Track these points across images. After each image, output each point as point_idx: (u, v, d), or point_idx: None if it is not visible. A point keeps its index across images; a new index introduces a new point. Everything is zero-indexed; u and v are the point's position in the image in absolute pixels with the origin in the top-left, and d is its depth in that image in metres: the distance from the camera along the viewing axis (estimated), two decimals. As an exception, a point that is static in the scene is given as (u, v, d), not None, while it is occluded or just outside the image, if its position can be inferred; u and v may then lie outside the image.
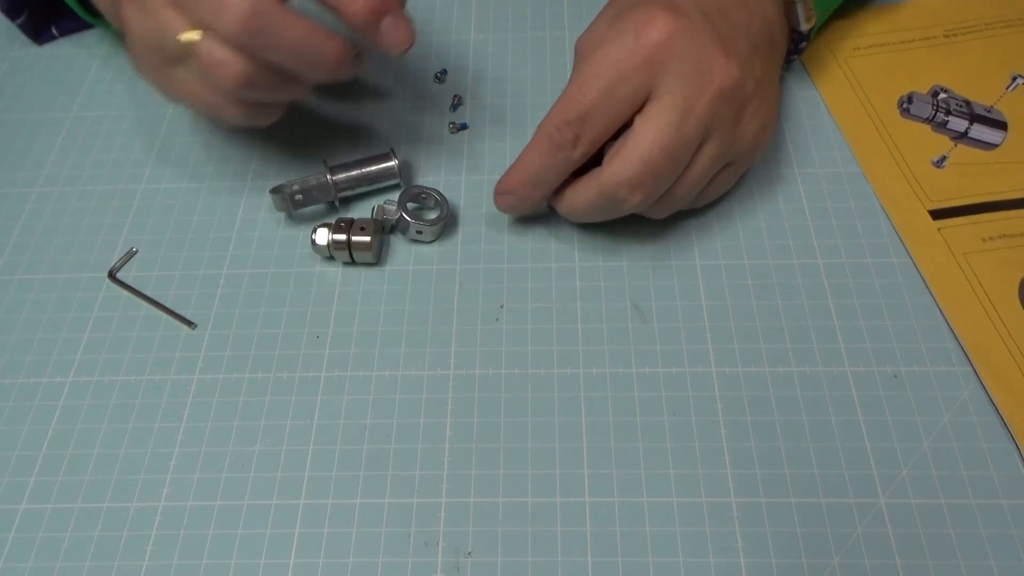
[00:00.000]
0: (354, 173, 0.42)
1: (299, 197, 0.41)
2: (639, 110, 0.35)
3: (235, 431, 0.36)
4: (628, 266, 0.40)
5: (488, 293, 0.40)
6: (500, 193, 0.39)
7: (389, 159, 0.42)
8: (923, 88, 0.46)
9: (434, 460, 0.35)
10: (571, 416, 0.36)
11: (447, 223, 0.42)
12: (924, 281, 0.39)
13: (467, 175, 0.44)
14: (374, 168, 0.42)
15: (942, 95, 0.45)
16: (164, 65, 0.36)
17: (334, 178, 0.41)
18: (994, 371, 0.36)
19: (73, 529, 0.34)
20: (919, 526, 0.33)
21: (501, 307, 0.40)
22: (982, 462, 0.34)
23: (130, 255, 0.42)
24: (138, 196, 0.45)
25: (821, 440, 0.35)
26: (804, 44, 0.43)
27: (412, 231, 0.41)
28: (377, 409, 0.37)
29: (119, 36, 0.47)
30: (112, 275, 0.41)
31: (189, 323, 0.40)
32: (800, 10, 0.41)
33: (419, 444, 0.36)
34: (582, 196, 0.38)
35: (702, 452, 0.35)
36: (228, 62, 0.34)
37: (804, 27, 0.42)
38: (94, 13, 0.49)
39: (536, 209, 0.40)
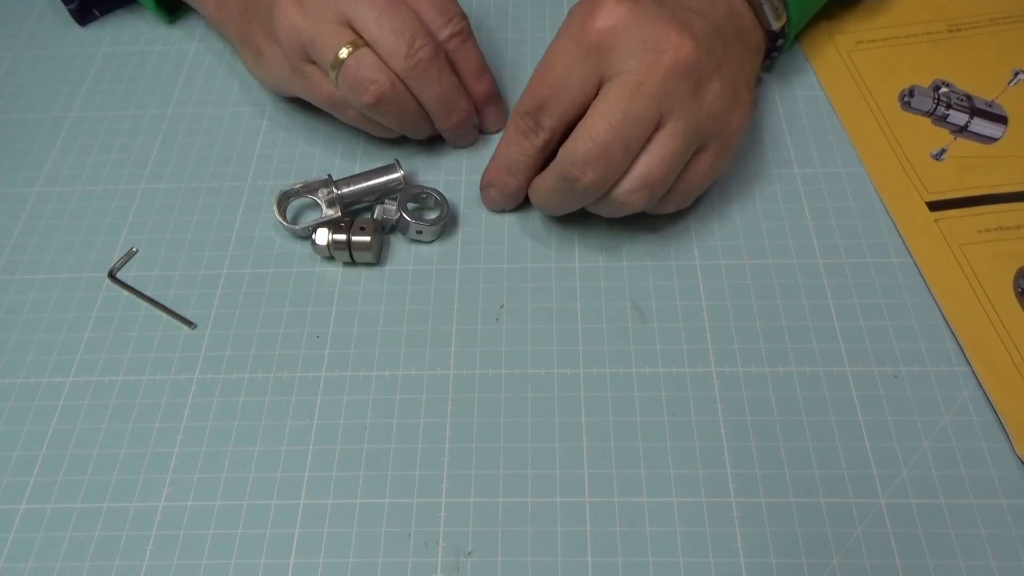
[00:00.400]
0: (360, 187, 0.41)
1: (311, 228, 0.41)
2: (596, 95, 0.36)
3: (235, 431, 0.36)
4: (628, 266, 0.40)
5: (488, 293, 0.40)
6: (483, 188, 0.42)
7: (395, 171, 0.42)
8: (925, 82, 0.46)
9: (434, 460, 0.35)
10: (571, 416, 0.36)
11: (447, 223, 0.42)
12: (923, 279, 0.39)
13: (467, 175, 0.44)
14: (379, 180, 0.42)
15: (943, 89, 0.45)
16: (302, 61, 0.40)
17: (339, 192, 0.41)
18: (986, 359, 0.36)
19: (73, 529, 0.34)
20: (919, 526, 0.33)
21: (501, 307, 0.40)
22: (982, 462, 0.34)
23: (130, 255, 0.42)
24: (138, 196, 0.45)
25: (821, 440, 0.35)
26: (781, 42, 0.43)
27: (412, 231, 0.41)
28: (377, 409, 0.37)
29: (214, 27, 0.49)
30: (112, 275, 0.41)
31: (189, 323, 0.40)
32: (767, 9, 0.41)
33: (419, 444, 0.36)
34: (543, 182, 0.38)
35: (702, 452, 0.35)
36: (372, 81, 0.38)
37: (774, 25, 0.42)
38: None
39: (518, 201, 0.42)
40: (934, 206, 0.41)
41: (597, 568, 0.32)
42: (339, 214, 0.41)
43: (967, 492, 0.33)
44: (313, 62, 0.40)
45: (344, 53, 0.38)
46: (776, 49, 0.43)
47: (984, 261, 0.39)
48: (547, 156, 0.39)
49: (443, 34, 0.40)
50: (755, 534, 0.33)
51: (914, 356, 0.37)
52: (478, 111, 0.44)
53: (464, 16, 0.41)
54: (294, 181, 0.43)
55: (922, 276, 0.39)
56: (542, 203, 0.39)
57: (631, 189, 0.36)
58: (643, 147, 0.36)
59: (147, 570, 0.33)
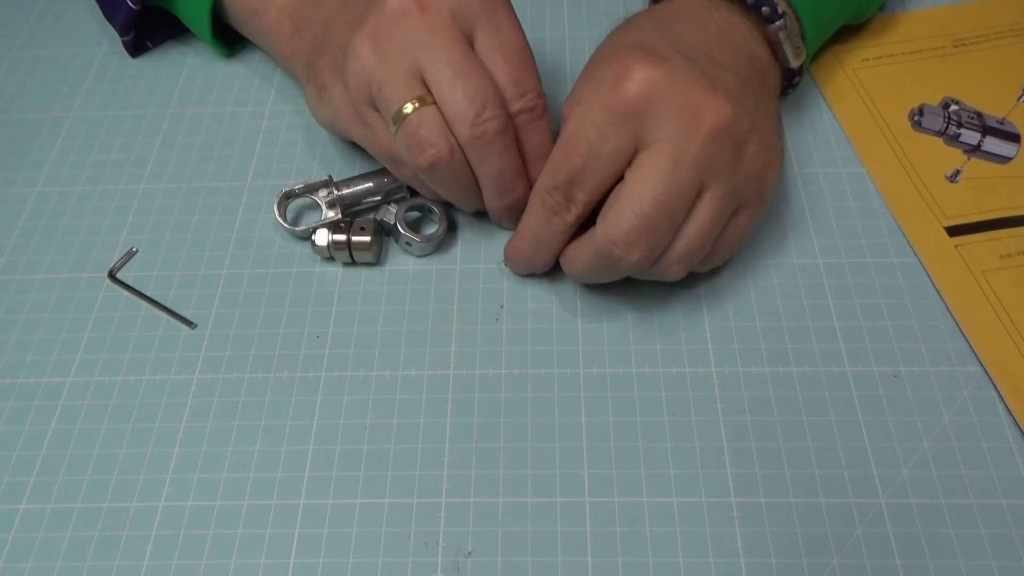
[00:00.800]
0: (361, 188, 0.41)
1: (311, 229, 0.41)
2: (631, 164, 0.34)
3: (235, 431, 0.36)
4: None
5: (488, 293, 0.40)
6: (509, 259, 0.39)
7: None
8: (933, 99, 0.45)
9: (434, 460, 0.35)
10: (571, 416, 0.36)
11: (441, 241, 0.41)
12: (927, 283, 0.39)
13: (467, 175, 0.44)
14: (380, 182, 0.41)
15: (953, 107, 0.44)
16: (366, 106, 0.37)
17: (340, 193, 0.41)
18: (1016, 389, 0.35)
19: (73, 529, 0.34)
20: (919, 526, 0.33)
21: (501, 307, 0.40)
22: (982, 462, 0.34)
23: (130, 255, 0.42)
24: (138, 196, 0.45)
25: (821, 440, 0.35)
26: (797, 79, 0.41)
27: (403, 242, 0.41)
28: (377, 409, 0.37)
29: (281, 62, 0.47)
30: (112, 275, 0.41)
31: (189, 323, 0.40)
32: (787, 48, 0.39)
33: (419, 444, 0.36)
34: (581, 257, 0.36)
35: (702, 452, 0.35)
36: (431, 145, 0.35)
37: (794, 64, 0.40)
38: (223, 30, 0.49)
39: (547, 269, 0.39)
40: (953, 231, 0.40)
41: (597, 568, 0.32)
42: (339, 215, 0.41)
43: (967, 492, 0.33)
44: (377, 110, 0.37)
45: (409, 108, 0.35)
46: (792, 86, 0.42)
47: (1008, 288, 0.38)
48: (578, 227, 0.36)
49: (515, 106, 0.36)
50: (755, 534, 0.33)
51: (914, 356, 0.37)
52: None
53: (542, 94, 0.37)
54: (295, 182, 0.43)
55: (928, 276, 0.39)
56: (578, 277, 0.38)
57: (673, 261, 0.35)
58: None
59: (147, 570, 0.33)
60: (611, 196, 0.34)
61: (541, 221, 0.36)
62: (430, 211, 0.41)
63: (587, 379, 0.37)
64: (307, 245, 0.42)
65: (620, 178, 0.34)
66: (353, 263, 0.41)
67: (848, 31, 0.49)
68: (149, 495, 0.35)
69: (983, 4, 0.49)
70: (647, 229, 0.33)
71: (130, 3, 0.47)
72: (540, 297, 0.40)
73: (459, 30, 0.35)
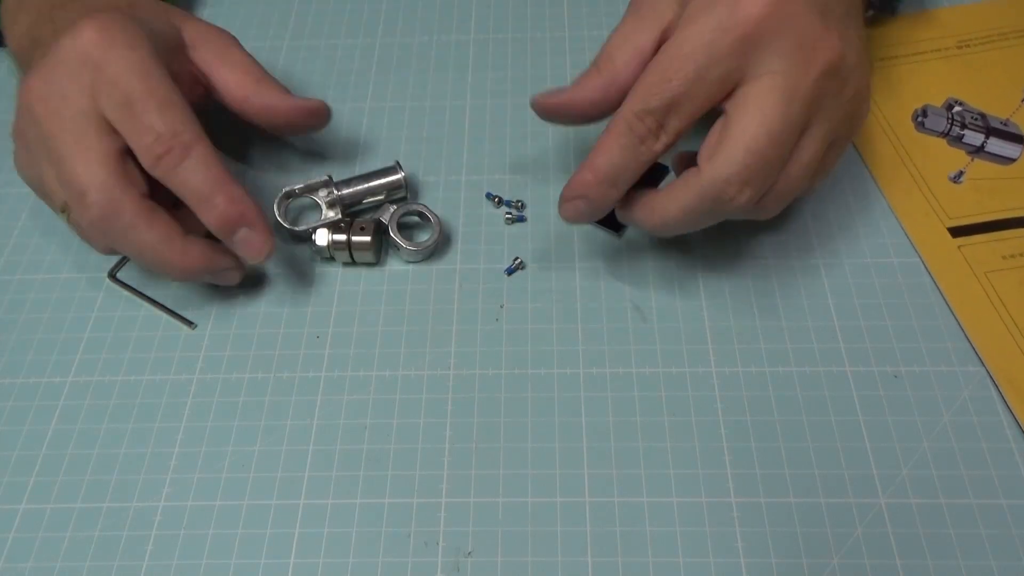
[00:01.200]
0: (360, 188, 0.41)
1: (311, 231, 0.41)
2: (729, 95, 0.32)
3: (235, 431, 0.36)
4: (628, 266, 0.40)
5: (488, 293, 0.40)
6: (570, 199, 0.35)
7: (395, 172, 0.42)
8: (937, 100, 0.45)
9: (434, 460, 0.35)
10: (571, 416, 0.36)
11: (432, 251, 0.41)
12: (928, 283, 0.39)
13: (467, 175, 0.44)
14: (380, 182, 0.42)
15: (957, 108, 0.44)
16: (47, 163, 0.36)
17: (340, 193, 0.41)
18: (1019, 391, 0.35)
19: (73, 529, 0.34)
20: (919, 526, 0.33)
21: (501, 307, 0.40)
22: (982, 462, 0.34)
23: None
24: (138, 196, 0.45)
25: (821, 440, 0.35)
26: (870, 12, 0.38)
27: (393, 246, 0.41)
28: (377, 409, 0.37)
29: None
30: (112, 275, 0.41)
31: (189, 323, 0.40)
32: None
33: (419, 444, 0.36)
34: (678, 203, 0.33)
35: (702, 452, 0.35)
36: (94, 243, 0.36)
37: None
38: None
39: (603, 214, 0.36)
40: (956, 232, 0.40)
41: (597, 568, 0.32)
42: (339, 215, 0.41)
43: (967, 492, 0.33)
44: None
45: (60, 212, 0.36)
46: (872, 6, 0.39)
47: (1011, 289, 0.38)
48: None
49: (148, 158, 0.34)
50: (755, 534, 0.33)
51: (914, 356, 0.37)
52: (225, 241, 0.36)
53: (175, 132, 0.34)
54: (294, 182, 0.43)
55: (931, 277, 0.39)
56: (667, 228, 0.35)
57: (773, 199, 0.33)
58: None
59: (147, 570, 0.33)
60: (713, 133, 0.33)
61: (625, 150, 0.33)
62: (425, 218, 0.41)
63: (587, 379, 0.37)
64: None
65: (713, 110, 0.32)
66: (353, 263, 0.41)
67: (882, 24, 0.49)
68: (149, 495, 0.35)
69: (987, 5, 0.49)
70: (762, 166, 0.31)
71: None
72: (540, 297, 0.40)
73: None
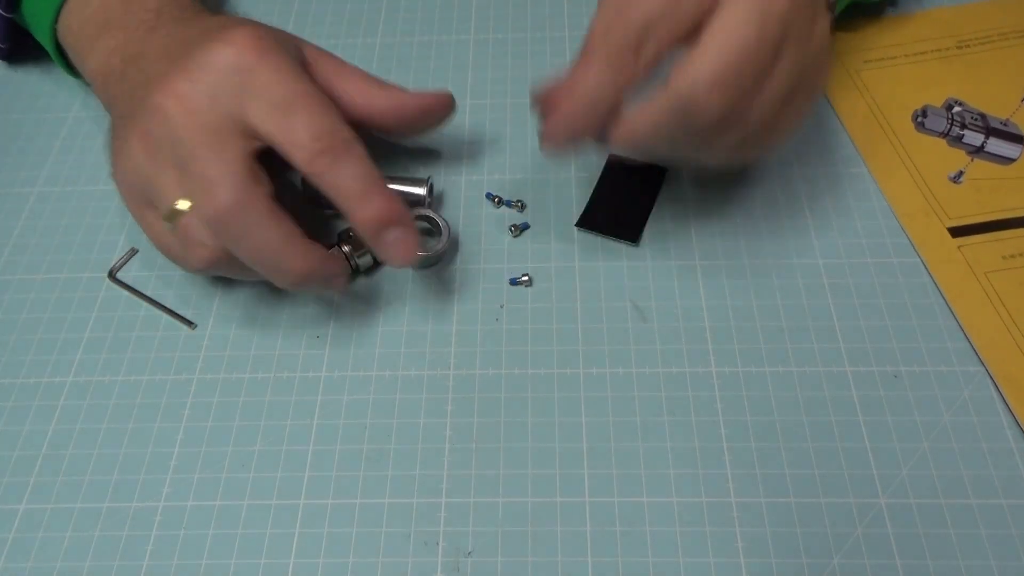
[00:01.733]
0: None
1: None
2: (703, 22, 0.31)
3: (235, 431, 0.36)
4: (628, 266, 0.40)
5: (488, 293, 0.40)
6: (551, 132, 0.35)
7: (420, 186, 0.41)
8: (937, 101, 0.45)
9: (434, 460, 0.35)
10: (571, 416, 0.36)
11: (440, 258, 0.41)
12: (928, 283, 0.39)
13: (467, 175, 0.44)
14: (402, 189, 0.41)
15: (956, 108, 0.44)
16: (145, 204, 0.36)
17: None
18: (1019, 391, 0.35)
19: (73, 529, 0.34)
20: (919, 526, 0.33)
21: (501, 307, 0.40)
22: (982, 462, 0.34)
23: (130, 255, 0.42)
24: (138, 196, 0.45)
25: (821, 440, 0.35)
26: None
27: None
28: (377, 409, 0.37)
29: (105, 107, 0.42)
30: (112, 275, 0.41)
31: (189, 323, 0.40)
32: None
33: (419, 444, 0.36)
34: (647, 117, 0.33)
35: (702, 452, 0.35)
36: (203, 244, 0.34)
37: None
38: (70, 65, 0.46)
39: (582, 140, 0.35)
40: (956, 232, 0.40)
41: (597, 568, 0.32)
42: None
43: (967, 492, 0.33)
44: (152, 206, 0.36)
45: (176, 207, 0.34)
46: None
47: (1011, 289, 0.38)
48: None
49: (305, 154, 0.34)
50: (755, 534, 0.33)
51: (914, 356, 0.37)
52: (371, 241, 0.35)
53: (333, 133, 0.34)
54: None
55: (931, 277, 0.39)
56: (636, 142, 0.34)
57: (746, 130, 0.33)
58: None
59: (147, 570, 0.33)
60: (686, 54, 0.32)
61: (602, 75, 0.32)
62: (434, 223, 0.41)
63: (587, 379, 0.37)
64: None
65: (689, 36, 0.32)
66: (375, 264, 0.41)
67: (852, 32, 0.49)
68: (149, 495, 0.35)
69: (987, 5, 0.49)
70: (735, 74, 0.31)
71: (2, 11, 0.46)
72: (540, 297, 0.40)
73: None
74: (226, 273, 0.37)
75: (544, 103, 0.35)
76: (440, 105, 0.41)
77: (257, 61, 0.34)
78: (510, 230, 0.42)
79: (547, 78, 0.36)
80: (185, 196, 0.34)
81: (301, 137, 0.34)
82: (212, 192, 0.33)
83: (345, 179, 0.34)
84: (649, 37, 0.31)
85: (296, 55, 0.38)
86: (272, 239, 0.34)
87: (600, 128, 0.34)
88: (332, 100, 0.37)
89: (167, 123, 0.34)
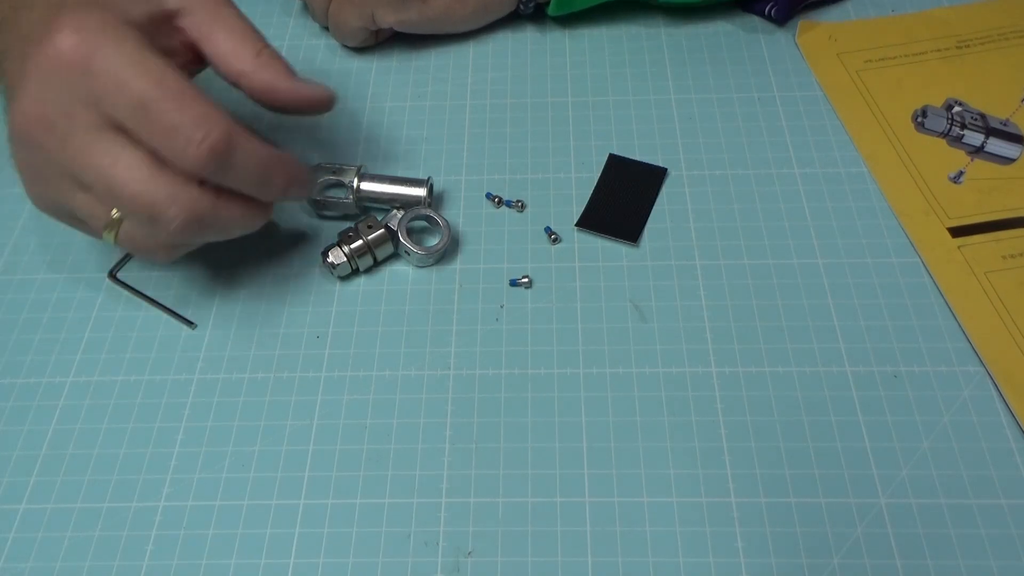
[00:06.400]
0: (383, 188, 0.41)
1: (320, 198, 0.41)
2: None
3: (235, 431, 0.36)
4: (628, 266, 0.40)
5: (488, 293, 0.40)
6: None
7: (420, 187, 0.41)
8: (937, 101, 0.45)
9: (434, 460, 0.35)
10: (571, 416, 0.36)
11: (441, 255, 0.41)
12: (927, 283, 0.39)
13: (467, 175, 0.44)
14: (402, 190, 0.41)
15: (956, 108, 0.44)
16: (71, 189, 0.33)
17: (362, 184, 0.41)
18: (1019, 391, 0.35)
19: (73, 529, 0.34)
20: (919, 526, 0.33)
21: (501, 307, 0.40)
22: (982, 462, 0.34)
23: (130, 255, 0.42)
24: (138, 196, 0.45)
25: (821, 440, 0.35)
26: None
27: (402, 250, 0.41)
28: (377, 409, 0.37)
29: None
30: (112, 275, 0.41)
31: (189, 323, 0.40)
32: None
33: (419, 444, 0.36)
34: None
35: (702, 452, 0.35)
36: (163, 250, 0.33)
37: None
38: None
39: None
40: (956, 232, 0.40)
41: (597, 568, 0.32)
42: (353, 203, 0.41)
43: (967, 492, 0.33)
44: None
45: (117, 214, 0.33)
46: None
47: (1011, 289, 0.38)
48: None
49: (189, 163, 0.31)
50: (755, 534, 0.33)
51: (914, 356, 0.37)
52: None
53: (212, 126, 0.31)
54: (328, 161, 0.43)
55: (931, 277, 0.39)
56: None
57: None
58: None
59: (147, 570, 0.33)
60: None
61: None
62: (433, 221, 0.41)
63: (587, 379, 0.37)
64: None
65: None
66: (376, 264, 0.41)
67: (851, 31, 0.49)
68: (149, 495, 0.35)
69: (987, 5, 0.49)
70: None
71: None
72: (540, 297, 0.40)
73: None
74: (203, 229, 0.34)
75: None
76: (313, 103, 0.38)
77: (91, 58, 0.30)
78: (550, 238, 0.41)
79: None
80: (107, 206, 0.32)
81: (176, 143, 0.31)
82: (157, 213, 0.31)
83: (243, 177, 0.33)
84: None
85: (146, 20, 0.34)
86: (236, 213, 0.34)
87: None
88: (205, 57, 0.36)
89: (39, 150, 0.32)
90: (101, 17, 0.31)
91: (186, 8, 0.35)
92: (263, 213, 0.36)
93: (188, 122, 0.31)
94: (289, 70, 0.37)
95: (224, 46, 0.36)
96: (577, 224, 0.42)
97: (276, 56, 0.37)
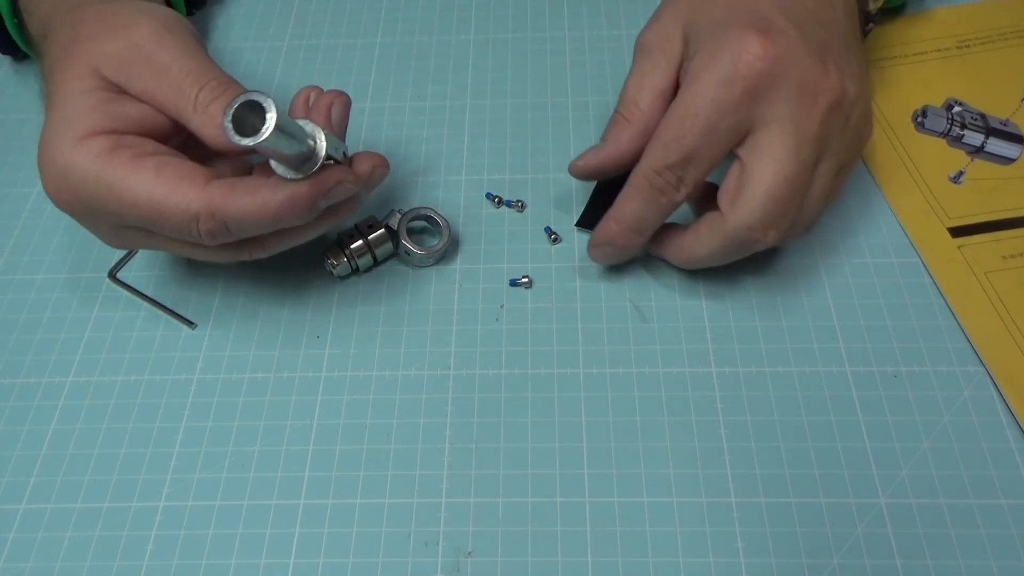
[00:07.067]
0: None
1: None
2: (740, 141, 0.34)
3: (235, 431, 0.36)
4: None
5: (488, 293, 0.40)
6: (599, 246, 0.38)
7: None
8: (937, 101, 0.45)
9: (434, 460, 0.35)
10: (571, 416, 0.36)
11: (441, 256, 0.41)
12: (927, 283, 0.39)
13: (466, 175, 0.44)
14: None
15: (956, 108, 0.44)
16: (119, 229, 0.35)
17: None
18: (1019, 391, 0.35)
19: (73, 529, 0.34)
20: (919, 526, 0.33)
21: (501, 307, 0.40)
22: (982, 462, 0.34)
23: (130, 255, 0.42)
24: (138, 196, 0.45)
25: (821, 440, 0.35)
26: (870, 26, 0.42)
27: (402, 251, 0.41)
28: (377, 409, 0.37)
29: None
30: (112, 275, 0.41)
31: (189, 323, 0.40)
32: None
33: (419, 444, 0.36)
34: (705, 246, 0.36)
35: (702, 452, 0.35)
36: (204, 236, 0.32)
37: (872, 5, 0.41)
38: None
39: (631, 257, 0.39)
40: (956, 232, 0.40)
41: (597, 568, 0.32)
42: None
43: (967, 492, 0.33)
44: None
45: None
46: (864, 32, 0.42)
47: (1011, 289, 0.38)
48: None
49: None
50: (755, 534, 0.33)
51: (914, 356, 0.37)
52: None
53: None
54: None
55: (931, 277, 0.39)
56: (694, 264, 0.38)
57: (792, 231, 0.36)
58: None
59: (147, 570, 0.33)
60: (731, 178, 0.35)
61: (647, 203, 0.35)
62: (433, 221, 0.41)
63: (587, 379, 0.37)
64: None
65: (727, 154, 0.34)
66: (376, 263, 0.41)
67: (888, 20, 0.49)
68: (149, 495, 0.35)
69: (987, 5, 0.49)
70: (782, 209, 0.34)
71: None
72: (540, 297, 0.40)
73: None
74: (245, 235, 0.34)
75: (596, 235, 0.38)
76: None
77: (72, 200, 0.33)
78: (550, 238, 0.41)
79: (585, 152, 0.38)
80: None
81: (181, 235, 0.33)
82: (186, 225, 0.32)
83: (258, 229, 0.33)
84: (688, 171, 0.34)
85: (102, 104, 0.33)
86: (258, 202, 0.31)
87: (644, 241, 0.37)
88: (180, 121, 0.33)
89: (86, 213, 0.34)
90: (52, 149, 0.32)
91: (124, 82, 0.33)
92: (316, 226, 0.35)
93: (175, 223, 0.32)
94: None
95: (167, 107, 0.33)
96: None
97: (214, 97, 0.33)
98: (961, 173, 0.42)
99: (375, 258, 0.40)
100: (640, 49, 0.38)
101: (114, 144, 0.32)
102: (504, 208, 0.43)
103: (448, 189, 0.44)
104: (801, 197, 0.34)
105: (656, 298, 0.39)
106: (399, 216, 0.40)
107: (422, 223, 0.42)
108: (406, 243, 0.40)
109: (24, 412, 0.37)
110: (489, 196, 0.43)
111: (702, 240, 0.36)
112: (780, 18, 0.34)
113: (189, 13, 0.49)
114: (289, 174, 0.31)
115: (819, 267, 0.40)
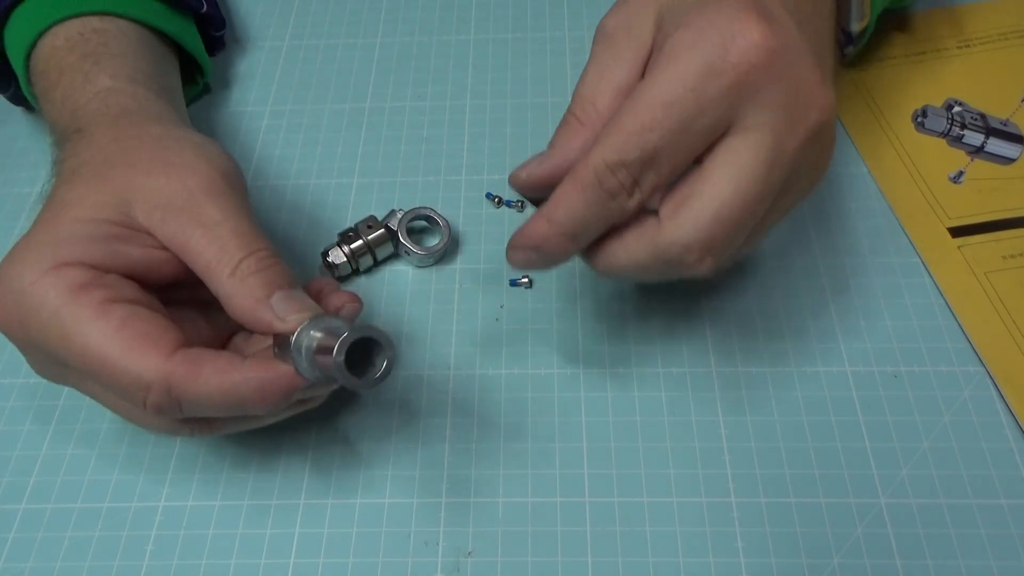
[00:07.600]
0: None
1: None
2: (712, 147, 0.27)
3: (235, 431, 0.36)
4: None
5: (488, 293, 0.40)
6: (520, 248, 0.30)
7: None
8: (937, 101, 0.45)
9: (434, 460, 0.35)
10: (571, 416, 0.36)
11: (441, 255, 0.41)
12: (928, 283, 0.39)
13: (466, 175, 0.44)
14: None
15: (956, 108, 0.44)
16: (56, 364, 0.31)
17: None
18: (1019, 391, 0.35)
19: (73, 529, 0.34)
20: (919, 526, 0.33)
21: (501, 307, 0.40)
22: (982, 462, 0.34)
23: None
24: (138, 196, 0.45)
25: (821, 440, 0.35)
26: (850, 48, 0.39)
27: (402, 250, 0.41)
28: (377, 409, 0.37)
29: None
30: (112, 275, 0.41)
31: (189, 323, 0.39)
32: (854, 7, 0.34)
33: (419, 444, 0.36)
34: (629, 255, 0.29)
35: (702, 452, 0.35)
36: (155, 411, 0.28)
37: (854, 27, 0.36)
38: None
39: (560, 265, 0.32)
40: (956, 232, 0.40)
41: (597, 568, 0.32)
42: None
43: (967, 492, 0.33)
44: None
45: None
46: (843, 55, 0.39)
47: (1011, 289, 0.38)
48: None
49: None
50: (755, 534, 0.33)
51: (914, 356, 0.37)
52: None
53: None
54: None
55: (931, 277, 0.39)
56: (613, 274, 0.30)
57: (732, 260, 0.30)
58: None
59: (147, 570, 0.33)
60: (681, 181, 0.28)
61: (591, 204, 0.28)
62: (433, 221, 0.41)
63: (587, 379, 0.37)
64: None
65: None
66: (376, 264, 0.41)
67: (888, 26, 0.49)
68: (149, 495, 0.35)
69: (987, 5, 0.49)
70: (728, 236, 0.27)
71: None
72: (540, 297, 0.40)
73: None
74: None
75: (520, 235, 0.30)
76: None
77: (23, 325, 0.29)
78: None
79: (528, 161, 0.32)
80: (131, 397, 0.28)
81: (127, 398, 0.29)
82: (137, 393, 0.28)
83: (206, 411, 0.29)
84: (648, 174, 0.27)
85: (104, 241, 0.29)
86: (224, 382, 0.27)
87: (578, 251, 0.30)
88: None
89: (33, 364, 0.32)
90: (20, 269, 0.29)
91: (157, 222, 0.30)
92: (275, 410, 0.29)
93: (122, 387, 0.28)
94: (275, 285, 0.29)
95: (198, 261, 0.29)
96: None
97: (258, 269, 0.29)
98: (961, 173, 0.42)
99: (375, 258, 0.40)
100: (601, 36, 0.31)
101: (89, 280, 0.28)
102: (504, 208, 0.43)
103: (448, 189, 0.44)
104: (750, 228, 0.28)
105: (656, 298, 0.39)
106: (399, 216, 0.40)
107: (422, 223, 0.42)
108: (406, 243, 0.40)
109: (24, 412, 0.37)
110: (489, 196, 0.43)
111: (627, 246, 0.29)
112: (780, 9, 0.28)
113: (211, 54, 0.47)
114: (307, 373, 0.28)
115: (819, 267, 0.40)
